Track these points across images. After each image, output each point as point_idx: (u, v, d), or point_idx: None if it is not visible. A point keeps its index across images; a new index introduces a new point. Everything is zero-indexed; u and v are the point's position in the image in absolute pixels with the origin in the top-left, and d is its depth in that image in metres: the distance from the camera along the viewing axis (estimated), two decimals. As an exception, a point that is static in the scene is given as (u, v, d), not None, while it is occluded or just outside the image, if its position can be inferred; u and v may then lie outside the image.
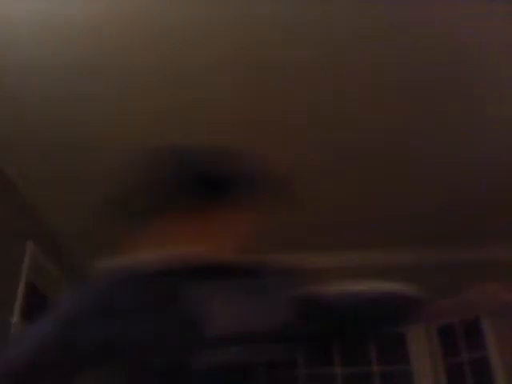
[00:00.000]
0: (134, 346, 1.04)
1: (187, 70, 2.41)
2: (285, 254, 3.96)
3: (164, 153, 1.24)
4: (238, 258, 1.22)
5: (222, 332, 1.07)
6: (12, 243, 3.04)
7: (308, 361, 4.04)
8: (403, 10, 2.16)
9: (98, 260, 4.01)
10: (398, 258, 3.82)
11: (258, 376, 1.12)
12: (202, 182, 1.20)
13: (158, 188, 1.21)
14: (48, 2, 2.10)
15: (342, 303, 1.20)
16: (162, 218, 1.21)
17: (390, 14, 2.17)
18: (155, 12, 2.15)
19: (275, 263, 1.26)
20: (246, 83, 2.49)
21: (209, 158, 1.24)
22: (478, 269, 3.73)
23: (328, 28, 2.23)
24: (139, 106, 2.62)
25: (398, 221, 3.56)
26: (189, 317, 1.08)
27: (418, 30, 2.24)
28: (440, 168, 3.08)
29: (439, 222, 3.57)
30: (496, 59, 2.37)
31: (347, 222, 3.61)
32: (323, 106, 2.64)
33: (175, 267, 1.14)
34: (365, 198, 3.36)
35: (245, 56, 2.35)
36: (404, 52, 2.34)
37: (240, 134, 2.81)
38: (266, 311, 1.13)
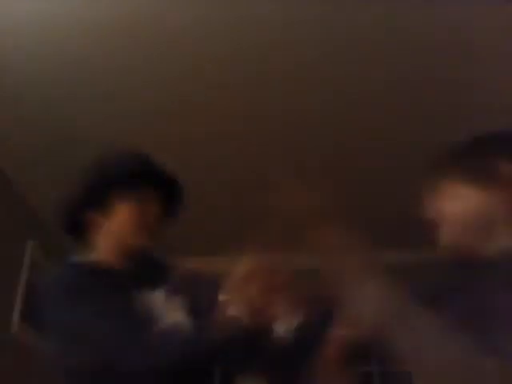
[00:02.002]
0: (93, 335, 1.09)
1: (187, 70, 2.41)
2: (284, 255, 3.96)
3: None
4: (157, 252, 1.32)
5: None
6: (12, 243, 3.04)
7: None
8: (403, 10, 2.16)
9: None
10: (398, 258, 3.82)
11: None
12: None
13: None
14: (48, 2, 2.10)
15: None
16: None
17: (390, 13, 2.17)
18: (155, 12, 2.15)
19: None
20: (246, 83, 2.49)
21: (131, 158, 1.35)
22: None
23: (328, 28, 2.23)
24: (139, 106, 2.62)
25: (397, 220, 3.56)
26: (141, 315, 1.14)
27: (418, 29, 2.23)
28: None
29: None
30: (496, 59, 2.37)
31: (347, 221, 3.60)
32: (323, 105, 2.64)
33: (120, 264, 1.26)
34: (364, 197, 3.35)
35: (245, 56, 2.35)
36: (404, 52, 2.34)
37: (240, 134, 2.81)
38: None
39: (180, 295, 1.30)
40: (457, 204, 1.05)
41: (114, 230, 1.30)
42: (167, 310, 1.23)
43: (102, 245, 1.32)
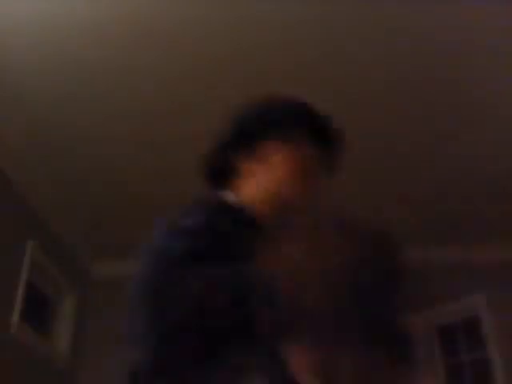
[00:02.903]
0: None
1: (187, 70, 2.41)
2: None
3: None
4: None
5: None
6: (12, 243, 3.04)
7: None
8: (403, 10, 2.16)
9: (98, 260, 4.02)
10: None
11: None
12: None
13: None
14: (48, 2, 2.10)
15: None
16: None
17: (390, 14, 2.17)
18: (155, 12, 2.15)
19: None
20: (246, 83, 2.49)
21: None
22: (478, 268, 3.72)
23: (328, 28, 2.23)
24: (139, 106, 2.63)
25: (397, 221, 3.56)
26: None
27: (418, 30, 2.24)
28: (440, 167, 3.08)
29: (439, 222, 3.57)
30: (496, 58, 2.37)
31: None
32: (323, 105, 2.63)
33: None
34: (365, 197, 3.35)
35: (245, 56, 2.35)
36: (404, 52, 2.34)
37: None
38: None
39: None
40: None
41: (268, 178, 1.19)
42: None
43: (247, 191, 1.18)
